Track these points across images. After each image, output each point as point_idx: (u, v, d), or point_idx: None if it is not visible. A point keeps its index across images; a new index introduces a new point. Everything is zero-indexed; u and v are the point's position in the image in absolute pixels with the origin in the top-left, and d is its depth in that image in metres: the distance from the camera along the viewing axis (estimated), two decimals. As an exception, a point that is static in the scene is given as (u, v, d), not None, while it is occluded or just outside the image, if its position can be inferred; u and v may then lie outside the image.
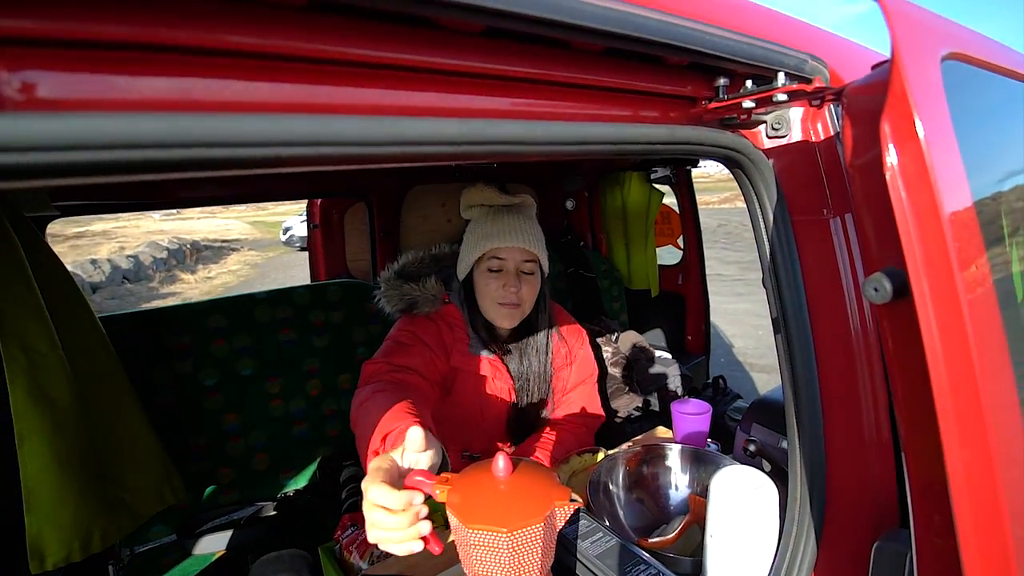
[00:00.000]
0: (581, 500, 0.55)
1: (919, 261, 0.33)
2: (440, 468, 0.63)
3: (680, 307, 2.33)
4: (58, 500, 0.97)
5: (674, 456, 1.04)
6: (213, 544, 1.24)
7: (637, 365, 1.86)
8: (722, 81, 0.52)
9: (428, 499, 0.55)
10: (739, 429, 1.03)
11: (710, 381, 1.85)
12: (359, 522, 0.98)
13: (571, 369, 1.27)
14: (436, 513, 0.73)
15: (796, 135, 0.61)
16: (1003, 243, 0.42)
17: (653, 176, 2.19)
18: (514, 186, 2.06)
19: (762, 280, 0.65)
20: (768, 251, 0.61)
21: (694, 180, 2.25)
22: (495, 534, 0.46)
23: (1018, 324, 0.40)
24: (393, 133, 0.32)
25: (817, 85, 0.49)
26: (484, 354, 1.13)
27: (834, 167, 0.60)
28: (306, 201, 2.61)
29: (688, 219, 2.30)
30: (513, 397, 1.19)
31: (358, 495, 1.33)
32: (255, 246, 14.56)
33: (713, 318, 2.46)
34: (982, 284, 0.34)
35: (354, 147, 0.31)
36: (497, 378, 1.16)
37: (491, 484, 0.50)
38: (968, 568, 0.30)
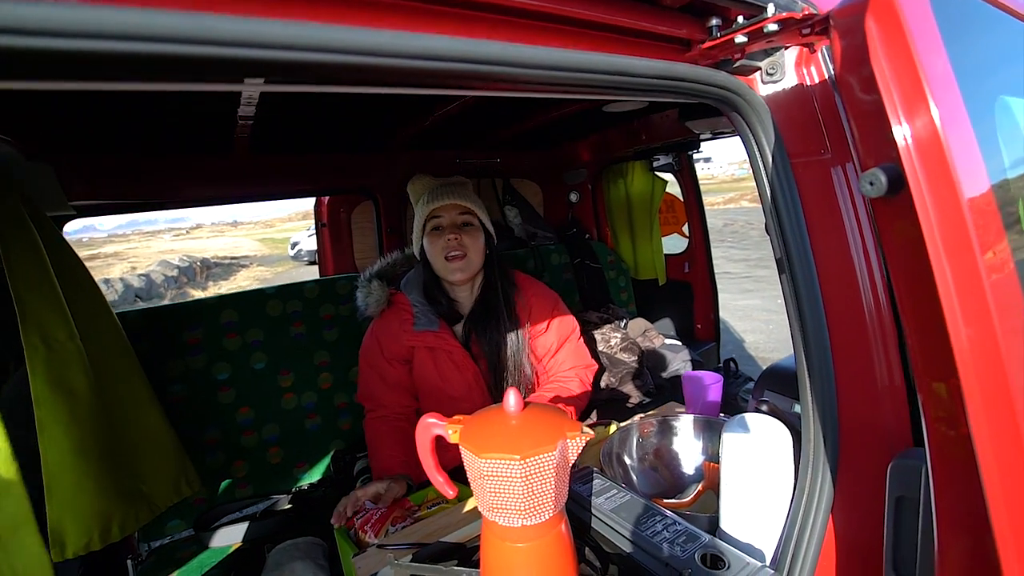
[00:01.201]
0: (592, 433, 0.55)
1: (913, 151, 0.34)
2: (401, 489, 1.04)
3: (688, 295, 2.32)
4: (78, 488, 0.98)
5: (687, 426, 1.04)
6: (229, 537, 1.25)
7: (648, 352, 1.86)
8: (715, 21, 0.54)
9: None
10: (752, 396, 1.03)
11: (721, 365, 1.84)
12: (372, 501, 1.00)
13: (548, 330, 1.32)
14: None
15: (791, 80, 0.62)
16: (997, 141, 0.43)
17: (656, 164, 2.20)
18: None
19: (765, 226, 0.66)
20: (769, 193, 0.61)
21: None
22: (508, 462, 0.46)
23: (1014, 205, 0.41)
24: (422, 47, 0.34)
25: (806, 13, 0.50)
26: (428, 328, 1.21)
27: (830, 109, 0.61)
28: (312, 218, 2.64)
29: (692, 206, 2.30)
30: (476, 367, 1.24)
31: (371, 484, 1.35)
32: (264, 262, 14.74)
33: (723, 314, 2.45)
34: (977, 171, 0.34)
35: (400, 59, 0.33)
36: (450, 350, 1.23)
37: (503, 420, 0.51)
38: (978, 439, 0.30)
